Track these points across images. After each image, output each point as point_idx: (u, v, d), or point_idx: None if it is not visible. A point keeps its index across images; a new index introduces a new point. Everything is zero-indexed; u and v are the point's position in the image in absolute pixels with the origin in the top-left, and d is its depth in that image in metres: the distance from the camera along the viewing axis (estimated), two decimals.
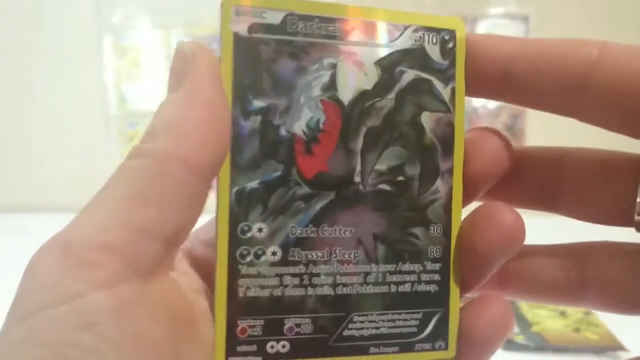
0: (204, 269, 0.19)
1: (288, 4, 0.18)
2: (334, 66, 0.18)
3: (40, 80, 0.95)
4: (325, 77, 0.18)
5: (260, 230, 0.18)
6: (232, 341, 0.18)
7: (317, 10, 0.18)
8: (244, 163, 0.18)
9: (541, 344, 0.50)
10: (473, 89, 0.20)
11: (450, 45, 0.19)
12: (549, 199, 0.21)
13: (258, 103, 0.18)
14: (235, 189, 0.18)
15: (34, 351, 0.13)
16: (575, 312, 0.56)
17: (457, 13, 0.91)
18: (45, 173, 0.97)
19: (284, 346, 0.18)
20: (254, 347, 0.18)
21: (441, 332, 0.19)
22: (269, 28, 0.18)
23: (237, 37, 0.17)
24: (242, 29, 0.18)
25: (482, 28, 0.91)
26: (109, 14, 0.94)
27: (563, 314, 0.56)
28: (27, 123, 0.96)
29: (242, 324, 0.18)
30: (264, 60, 0.18)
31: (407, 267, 0.19)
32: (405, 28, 0.19)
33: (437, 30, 0.19)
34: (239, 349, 0.18)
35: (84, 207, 0.15)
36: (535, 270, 0.21)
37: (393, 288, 0.19)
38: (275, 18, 0.18)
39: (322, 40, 0.18)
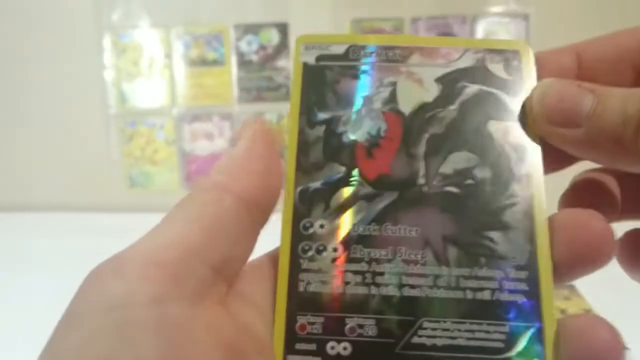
0: None
1: (351, 38, 0.21)
2: (394, 84, 0.20)
3: (40, 79, 0.95)
4: (386, 92, 0.20)
5: (322, 226, 0.19)
6: (291, 338, 0.17)
7: (377, 42, 0.21)
8: (308, 165, 0.19)
9: None
10: None
11: (515, 63, 0.20)
12: None
13: (322, 115, 0.20)
14: (299, 189, 0.19)
15: None
16: (575, 311, 0.56)
17: (458, 12, 0.91)
18: (45, 172, 0.97)
19: (345, 348, 0.17)
20: (313, 346, 0.17)
21: (537, 351, 0.17)
22: (333, 57, 0.21)
23: (305, 66, 0.20)
24: (310, 59, 0.21)
25: (482, 27, 0.91)
26: (109, 12, 0.93)
27: (563, 312, 0.56)
28: (27, 122, 0.96)
29: (301, 320, 0.18)
30: (328, 82, 0.20)
31: (484, 272, 0.18)
32: (466, 50, 0.20)
33: (499, 51, 0.20)
34: (298, 346, 0.17)
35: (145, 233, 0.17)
36: None
37: (469, 294, 0.18)
38: (339, 49, 0.21)
39: (383, 63, 0.20)
